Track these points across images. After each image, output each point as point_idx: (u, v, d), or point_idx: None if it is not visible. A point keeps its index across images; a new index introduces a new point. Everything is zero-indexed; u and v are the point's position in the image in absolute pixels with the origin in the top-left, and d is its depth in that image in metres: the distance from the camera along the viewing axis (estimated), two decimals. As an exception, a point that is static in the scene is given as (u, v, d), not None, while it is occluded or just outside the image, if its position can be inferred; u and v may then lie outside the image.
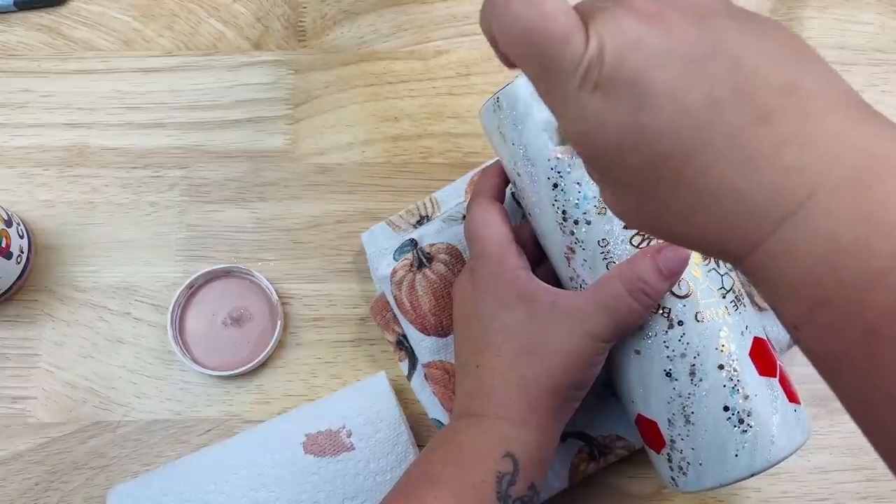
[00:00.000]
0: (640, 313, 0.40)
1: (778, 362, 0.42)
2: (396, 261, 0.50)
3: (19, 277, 0.53)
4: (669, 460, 0.42)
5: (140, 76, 0.57)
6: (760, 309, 0.48)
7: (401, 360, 0.52)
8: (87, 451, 0.52)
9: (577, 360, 0.40)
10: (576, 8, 0.24)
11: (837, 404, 0.23)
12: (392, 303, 0.50)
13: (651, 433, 0.43)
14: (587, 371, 0.41)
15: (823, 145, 0.21)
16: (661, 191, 0.23)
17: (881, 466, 0.23)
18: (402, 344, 0.52)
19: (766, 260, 0.22)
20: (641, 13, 0.22)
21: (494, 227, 0.44)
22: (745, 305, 0.43)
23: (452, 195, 0.54)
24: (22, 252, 0.52)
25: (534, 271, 0.43)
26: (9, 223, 0.51)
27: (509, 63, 0.25)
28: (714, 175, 0.22)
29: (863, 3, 0.59)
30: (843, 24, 0.59)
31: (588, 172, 0.26)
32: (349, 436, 0.48)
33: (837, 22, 0.59)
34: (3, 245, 0.50)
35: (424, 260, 0.50)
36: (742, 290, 0.44)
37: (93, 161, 0.56)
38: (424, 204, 0.54)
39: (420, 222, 0.53)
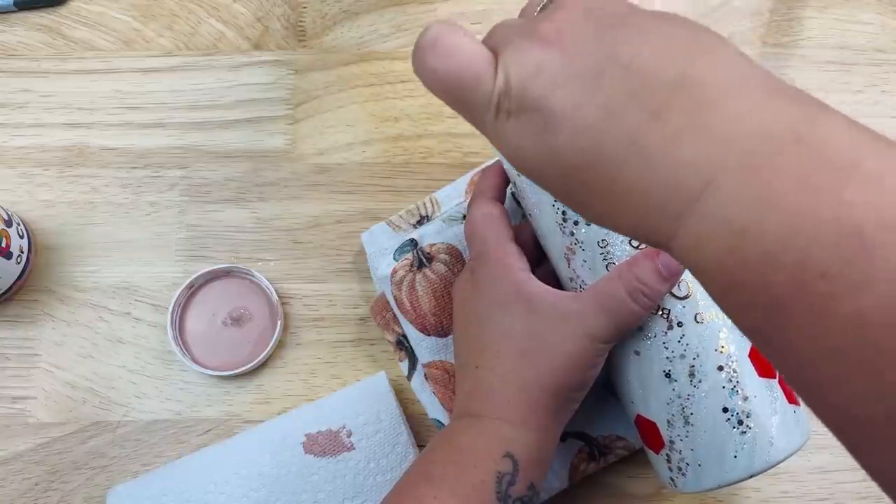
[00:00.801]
0: (639, 315, 0.40)
1: (777, 363, 0.42)
2: (396, 261, 0.50)
3: (19, 277, 0.53)
4: (668, 461, 0.42)
5: (140, 76, 0.57)
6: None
7: (401, 360, 0.53)
8: (87, 451, 0.52)
9: (577, 361, 0.40)
10: (486, 41, 0.26)
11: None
12: (392, 303, 0.50)
13: (650, 434, 0.43)
14: (587, 372, 0.41)
15: (718, 133, 0.22)
16: (583, 198, 0.25)
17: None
18: (402, 344, 0.52)
19: (681, 251, 0.23)
20: (542, 40, 0.24)
21: (494, 228, 0.44)
22: (744, 306, 0.43)
23: (452, 195, 0.54)
24: (22, 252, 0.52)
25: (534, 271, 0.43)
26: (9, 223, 0.51)
27: None
28: (620, 179, 0.23)
29: (863, 3, 0.59)
30: (843, 24, 0.59)
31: None
32: (349, 436, 0.48)
33: (837, 22, 0.59)
34: (3, 245, 0.50)
35: (424, 260, 0.50)
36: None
37: (93, 161, 0.56)
38: (424, 204, 0.54)
39: (420, 222, 0.53)
